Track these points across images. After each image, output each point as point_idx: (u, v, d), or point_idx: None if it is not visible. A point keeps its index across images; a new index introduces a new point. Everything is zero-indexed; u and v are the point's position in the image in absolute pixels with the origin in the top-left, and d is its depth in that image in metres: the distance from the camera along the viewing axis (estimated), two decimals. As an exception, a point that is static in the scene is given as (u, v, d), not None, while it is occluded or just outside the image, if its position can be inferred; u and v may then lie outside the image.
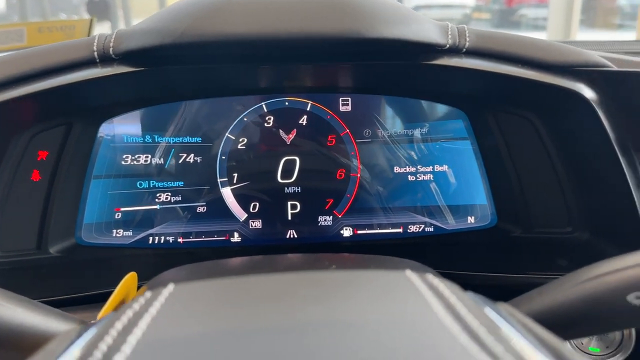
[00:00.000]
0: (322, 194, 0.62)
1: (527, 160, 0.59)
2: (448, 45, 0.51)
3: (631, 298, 0.34)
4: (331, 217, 0.62)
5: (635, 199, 0.48)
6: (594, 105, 0.48)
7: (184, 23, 0.46)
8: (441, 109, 0.61)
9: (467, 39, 0.51)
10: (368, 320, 0.24)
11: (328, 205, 0.62)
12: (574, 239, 0.58)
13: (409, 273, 0.30)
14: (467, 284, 0.41)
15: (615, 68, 0.49)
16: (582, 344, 0.53)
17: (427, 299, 0.26)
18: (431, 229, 0.63)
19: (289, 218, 0.62)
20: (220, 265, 0.34)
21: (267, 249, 0.62)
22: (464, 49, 0.51)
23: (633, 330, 0.52)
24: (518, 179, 0.60)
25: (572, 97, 0.49)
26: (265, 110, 0.60)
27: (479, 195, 0.62)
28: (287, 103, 0.60)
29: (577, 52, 0.50)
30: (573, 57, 0.49)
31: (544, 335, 0.27)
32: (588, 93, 0.49)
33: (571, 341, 0.54)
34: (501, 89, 0.54)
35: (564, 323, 0.36)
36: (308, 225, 0.62)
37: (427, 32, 0.50)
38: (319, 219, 0.62)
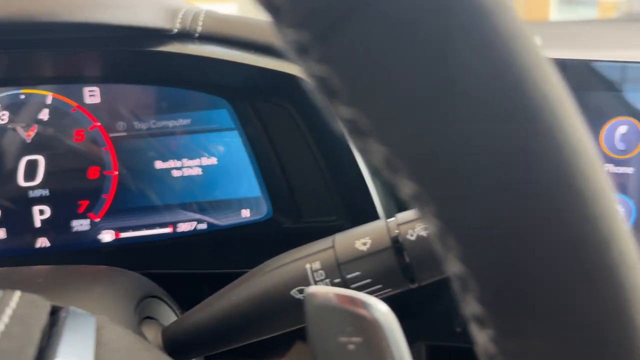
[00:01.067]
0: (74, 196, 0.56)
1: (290, 150, 0.56)
2: (176, 30, 0.46)
3: (294, 292, 0.32)
4: (88, 220, 0.56)
5: (367, 184, 0.47)
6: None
7: None
8: (204, 98, 0.57)
9: (200, 24, 0.47)
10: None
11: (83, 208, 0.56)
12: (338, 227, 0.56)
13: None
14: None
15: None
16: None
17: None
18: (204, 226, 0.58)
19: (38, 225, 0.55)
20: None
21: (14, 261, 0.55)
22: (197, 34, 0.47)
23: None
24: (284, 169, 0.57)
25: (303, 84, 0.46)
26: (-4, 105, 0.53)
27: (253, 187, 0.59)
28: (22, 96, 0.53)
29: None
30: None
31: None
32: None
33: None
34: (246, 77, 0.51)
35: (235, 326, 0.33)
36: (61, 231, 0.56)
37: (145, 16, 0.45)
38: (74, 223, 0.56)
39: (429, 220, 0.17)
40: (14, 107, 0.53)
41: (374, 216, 0.49)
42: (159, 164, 0.57)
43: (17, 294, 0.24)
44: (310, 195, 0.56)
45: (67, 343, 0.22)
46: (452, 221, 0.16)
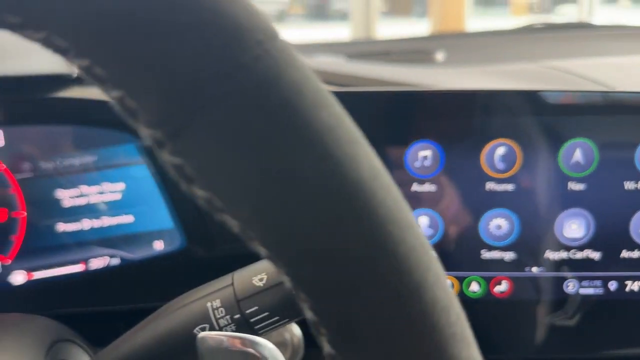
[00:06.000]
0: (-18, 239, 0.55)
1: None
2: (76, 75, 0.47)
3: (197, 331, 0.34)
4: (-2, 263, 0.56)
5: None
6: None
7: None
8: (109, 134, 0.58)
9: None
10: None
11: (-8, 251, 0.56)
12: (251, 254, 0.58)
13: None
14: None
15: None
16: None
17: None
18: (117, 261, 0.59)
19: (-56, 271, 0.54)
20: None
21: None
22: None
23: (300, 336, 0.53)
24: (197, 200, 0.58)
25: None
26: None
27: (165, 219, 0.60)
28: None
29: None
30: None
31: None
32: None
33: None
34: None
35: None
36: (-30, 276, 0.55)
37: (46, 63, 0.46)
38: (-17, 267, 0.56)
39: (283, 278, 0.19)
40: None
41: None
42: (67, 202, 0.57)
43: None
44: (223, 225, 0.58)
45: None
46: (299, 281, 0.19)
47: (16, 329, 0.37)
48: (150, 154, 0.58)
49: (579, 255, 0.52)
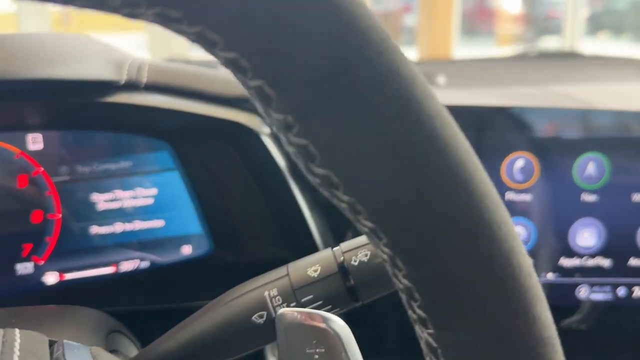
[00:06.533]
0: (18, 239, 0.57)
1: (231, 189, 0.60)
2: (124, 82, 0.50)
3: (255, 318, 0.36)
4: (32, 264, 0.57)
5: (307, 218, 0.52)
6: (263, 137, 0.51)
7: None
8: (144, 141, 0.60)
9: (146, 75, 0.51)
10: None
11: (27, 252, 0.57)
12: (279, 259, 0.60)
13: None
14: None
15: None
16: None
17: None
18: (147, 264, 0.61)
19: (-20, 270, 0.56)
20: None
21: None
22: (143, 85, 0.51)
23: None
24: (226, 207, 0.61)
25: (245, 130, 0.51)
26: None
27: (194, 224, 0.62)
28: (-36, 144, 0.55)
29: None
30: (240, 90, 0.52)
31: None
32: (260, 125, 0.51)
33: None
34: (187, 123, 0.55)
35: (201, 353, 0.37)
36: (5, 275, 0.56)
37: (96, 69, 0.49)
38: (18, 267, 0.57)
39: (381, 250, 0.22)
40: (-44, 154, 0.54)
41: (312, 247, 0.54)
42: (101, 206, 0.59)
43: (17, 330, 0.27)
44: (251, 230, 0.61)
45: None
46: (401, 251, 0.21)
47: (78, 318, 0.39)
48: (183, 161, 0.60)
49: (590, 262, 0.55)
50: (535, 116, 0.54)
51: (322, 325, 0.28)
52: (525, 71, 1.18)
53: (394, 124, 0.20)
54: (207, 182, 0.60)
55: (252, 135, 0.51)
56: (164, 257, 0.62)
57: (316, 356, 0.28)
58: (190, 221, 0.62)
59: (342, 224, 0.58)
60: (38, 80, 0.46)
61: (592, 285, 0.56)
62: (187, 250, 0.62)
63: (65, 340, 0.29)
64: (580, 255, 0.56)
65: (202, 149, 0.59)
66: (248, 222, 0.61)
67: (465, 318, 0.21)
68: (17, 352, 0.25)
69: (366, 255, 0.37)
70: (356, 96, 0.20)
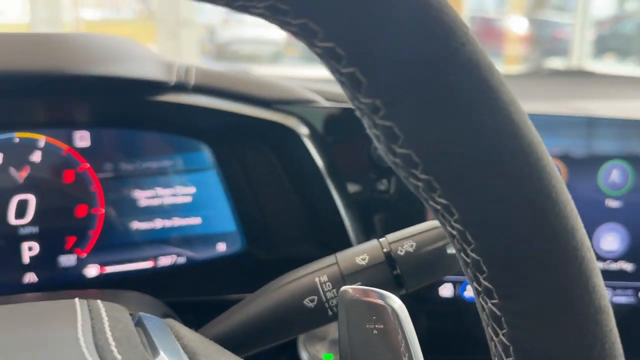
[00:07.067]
0: (62, 233, 0.59)
1: (266, 189, 0.63)
2: (174, 83, 0.53)
3: (307, 302, 0.38)
4: (74, 256, 0.60)
5: (343, 217, 0.54)
6: (304, 139, 0.53)
7: None
8: (185, 141, 0.63)
9: (194, 77, 0.54)
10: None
11: (70, 245, 0.59)
12: (310, 256, 0.63)
13: (76, 301, 0.30)
14: (223, 309, 0.44)
15: (322, 104, 0.55)
16: (317, 352, 0.57)
17: (77, 322, 0.27)
18: (183, 260, 0.63)
19: (26, 261, 0.58)
20: None
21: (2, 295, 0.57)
22: (191, 87, 0.54)
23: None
24: (260, 206, 0.63)
25: (287, 132, 0.54)
26: (-10, 148, 0.56)
27: (228, 223, 0.65)
28: (16, 139, 0.57)
29: (292, 89, 0.55)
30: (287, 94, 0.54)
31: (197, 347, 0.28)
32: (300, 127, 0.54)
33: (307, 350, 0.59)
34: (230, 124, 0.57)
35: (254, 334, 0.39)
36: (49, 267, 0.59)
37: (149, 70, 0.51)
38: (61, 259, 0.59)
39: (451, 225, 0.24)
40: (8, 149, 0.57)
41: (347, 245, 0.56)
42: (143, 202, 0.62)
43: (99, 301, 0.30)
44: (284, 229, 0.63)
45: (158, 339, 0.27)
46: (473, 225, 0.24)
47: (136, 300, 0.41)
48: (221, 161, 0.63)
49: (614, 266, 0.58)
50: (562, 124, 0.57)
51: (382, 302, 0.30)
52: (537, 88, 1.21)
53: (473, 109, 0.23)
54: (242, 182, 0.63)
55: (292, 136, 0.54)
56: (200, 254, 0.64)
57: (375, 331, 0.30)
58: (225, 219, 0.64)
59: (373, 223, 0.61)
60: (94, 77, 0.48)
61: (614, 288, 0.58)
62: (221, 247, 0.65)
63: (141, 313, 0.31)
64: (604, 259, 0.58)
65: (240, 149, 0.62)
66: (281, 221, 0.63)
67: (531, 287, 0.24)
68: (105, 320, 0.27)
69: (412, 246, 0.39)
70: (441, 83, 0.23)
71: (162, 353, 0.26)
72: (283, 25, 0.23)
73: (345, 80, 0.23)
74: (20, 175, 0.57)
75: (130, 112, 0.57)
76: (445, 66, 0.23)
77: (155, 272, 0.62)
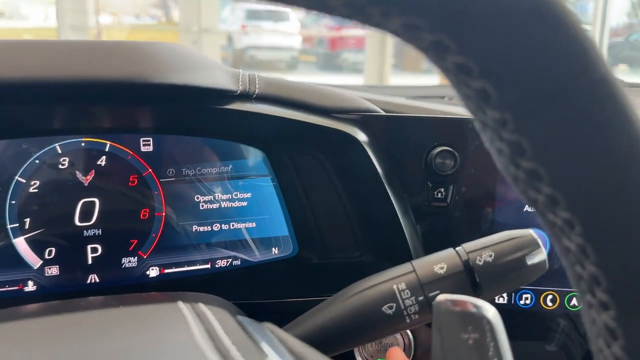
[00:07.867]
0: (125, 235, 0.61)
1: (319, 195, 0.64)
2: (239, 91, 0.54)
3: (385, 308, 0.39)
4: (136, 258, 0.61)
5: (402, 224, 0.55)
6: (365, 146, 0.55)
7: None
8: (242, 148, 0.64)
9: (257, 86, 0.56)
10: (130, 349, 0.25)
11: (132, 246, 0.61)
12: (361, 262, 0.64)
13: (180, 305, 0.31)
14: (275, 311, 0.45)
15: (381, 113, 0.56)
16: (372, 357, 0.58)
17: (190, 326, 0.28)
18: (238, 262, 0.65)
19: (90, 262, 0.60)
20: None
21: (65, 295, 0.59)
22: (254, 95, 0.55)
23: (411, 337, 0.59)
24: (313, 211, 0.65)
25: (348, 139, 0.55)
26: (60, 152, 0.58)
27: (281, 227, 0.66)
28: (83, 144, 0.59)
29: (351, 98, 0.57)
30: (347, 103, 0.56)
31: (302, 351, 0.30)
32: (360, 135, 0.55)
33: (362, 354, 0.60)
34: (290, 132, 0.59)
35: (332, 338, 0.40)
36: (111, 268, 0.61)
37: (217, 79, 0.53)
38: (123, 260, 0.61)
39: (569, 238, 0.25)
40: (74, 153, 0.59)
41: (404, 253, 0.57)
42: (202, 206, 0.63)
43: (201, 305, 0.31)
44: (336, 235, 0.64)
45: (264, 343, 0.29)
46: (594, 240, 0.25)
47: (213, 304, 0.43)
48: (276, 168, 0.64)
49: None
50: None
51: (477, 312, 0.31)
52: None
53: (602, 128, 0.24)
54: (297, 188, 0.64)
55: (353, 144, 0.55)
56: (254, 257, 0.65)
57: (470, 341, 0.31)
58: (278, 224, 0.66)
59: (429, 232, 0.62)
60: (167, 85, 0.50)
61: None
62: (274, 251, 0.66)
63: (238, 316, 0.32)
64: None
65: (296, 157, 0.63)
66: (334, 226, 0.64)
67: None
68: (217, 324, 0.29)
69: (490, 255, 0.40)
70: (571, 102, 0.24)
71: (276, 356, 0.27)
72: (412, 39, 0.24)
73: (472, 94, 0.24)
74: (86, 178, 0.59)
75: (196, 119, 0.59)
76: (576, 86, 0.23)
77: (212, 274, 0.64)
